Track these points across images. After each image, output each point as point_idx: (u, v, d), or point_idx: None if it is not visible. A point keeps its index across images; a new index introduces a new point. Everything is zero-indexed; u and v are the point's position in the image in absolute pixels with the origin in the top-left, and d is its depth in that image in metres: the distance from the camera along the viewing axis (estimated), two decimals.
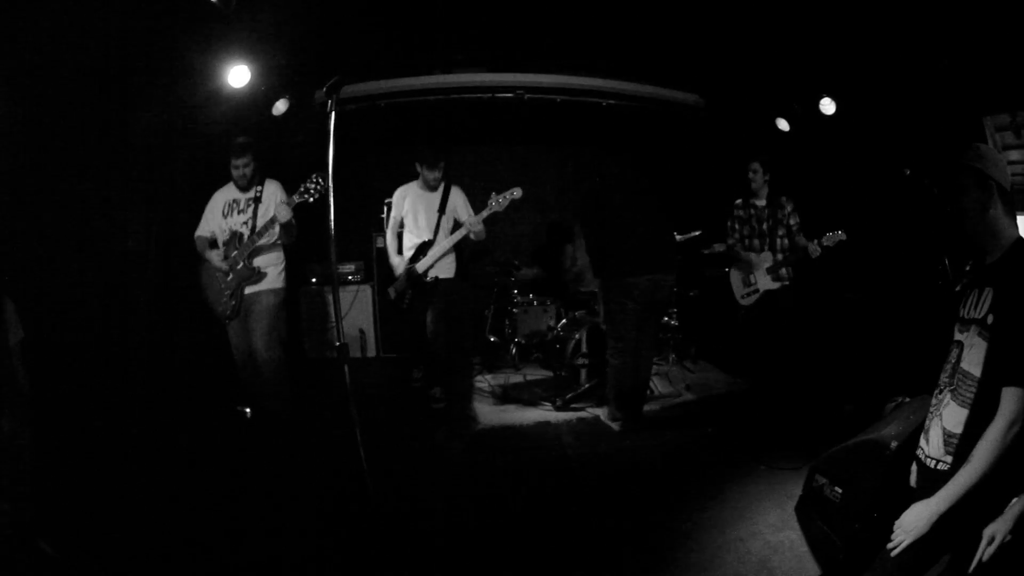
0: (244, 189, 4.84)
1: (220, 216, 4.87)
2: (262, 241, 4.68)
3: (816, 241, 5.28)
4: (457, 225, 5.43)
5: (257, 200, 4.78)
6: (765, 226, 5.62)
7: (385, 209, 6.25)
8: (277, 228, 4.58)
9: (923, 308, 4.59)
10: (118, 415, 4.54)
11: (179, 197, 5.53)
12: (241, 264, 4.71)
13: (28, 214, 4.10)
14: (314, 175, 4.42)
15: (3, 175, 3.87)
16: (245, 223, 4.76)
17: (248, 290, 4.75)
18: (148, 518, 3.55)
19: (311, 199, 4.43)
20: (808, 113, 6.12)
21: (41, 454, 3.19)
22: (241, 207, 4.82)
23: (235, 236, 4.78)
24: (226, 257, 4.76)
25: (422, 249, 5.37)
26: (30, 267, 3.99)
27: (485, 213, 5.21)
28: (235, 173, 4.79)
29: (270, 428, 4.72)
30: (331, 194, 2.66)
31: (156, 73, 4.81)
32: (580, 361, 5.96)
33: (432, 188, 5.47)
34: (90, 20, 4.01)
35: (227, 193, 4.91)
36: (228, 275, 4.75)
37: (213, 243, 4.90)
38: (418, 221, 5.43)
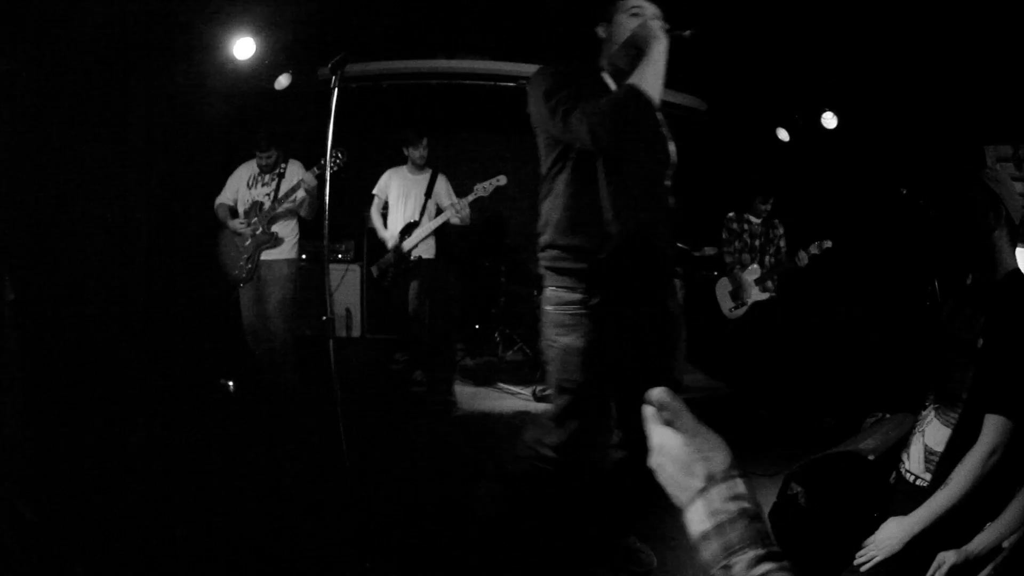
0: (264, 149, 5.00)
1: (244, 187, 5.07)
2: (282, 208, 4.90)
3: (803, 250, 5.33)
4: (440, 210, 5.64)
5: (280, 175, 4.99)
6: (757, 242, 5.69)
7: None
8: (301, 194, 4.79)
9: (909, 327, 4.63)
10: (106, 386, 4.53)
11: (178, 169, 5.52)
12: (260, 229, 4.91)
13: (26, 183, 4.08)
14: (335, 150, 4.43)
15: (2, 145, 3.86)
16: (268, 194, 4.98)
17: (264, 256, 4.94)
18: (126, 488, 3.52)
19: (333, 169, 4.43)
20: (809, 125, 6.15)
21: (27, 418, 3.18)
22: (265, 180, 5.04)
23: (256, 205, 4.99)
24: (247, 222, 4.96)
25: (407, 230, 5.56)
26: (25, 237, 3.98)
27: (471, 197, 5.54)
28: (259, 163, 5.04)
29: (269, 399, 4.87)
30: (328, 171, 2.66)
31: (161, 40, 4.79)
32: None
33: (420, 169, 5.71)
34: None
35: (252, 167, 5.12)
36: (247, 240, 4.94)
37: (234, 212, 5.10)
38: (405, 203, 5.60)
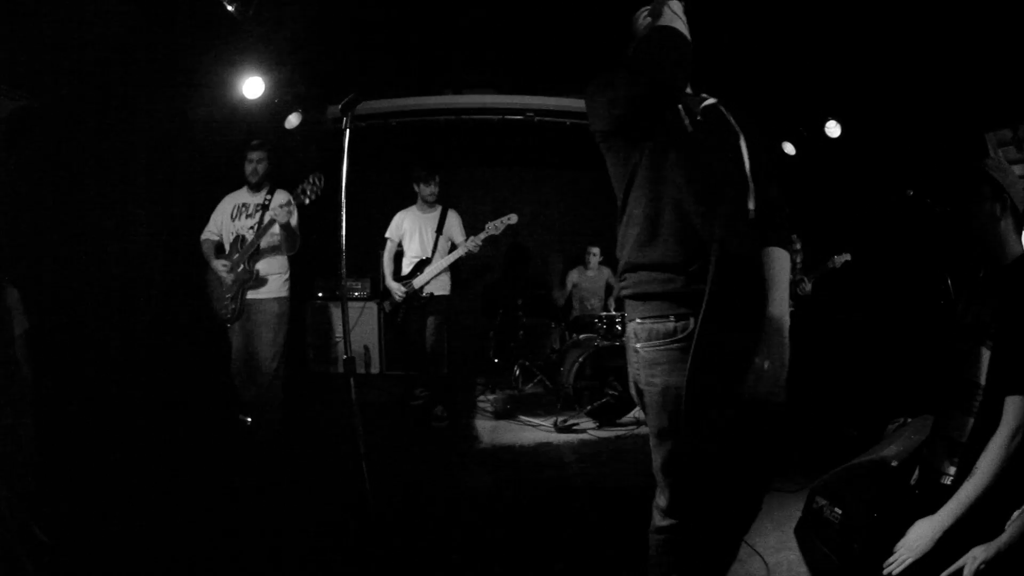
0: (255, 188, 4.83)
1: (228, 219, 4.84)
2: (263, 243, 4.67)
3: (810, 276, 5.39)
4: (453, 245, 5.76)
5: (265, 207, 4.73)
6: None
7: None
8: (277, 230, 4.55)
9: (926, 327, 4.60)
10: (118, 412, 4.56)
11: (183, 201, 5.57)
12: (242, 267, 4.68)
13: (31, 209, 4.18)
14: (311, 175, 4.43)
15: (9, 171, 3.96)
16: (252, 228, 4.73)
17: (250, 295, 4.71)
18: (141, 513, 3.59)
19: (307, 200, 4.44)
20: (814, 136, 6.19)
21: (41, 445, 3.24)
22: (250, 211, 4.80)
23: (239, 239, 4.75)
24: (229, 259, 4.75)
25: (420, 267, 5.63)
26: (33, 261, 4.07)
27: (483, 236, 5.63)
28: (248, 168, 4.79)
29: (264, 438, 4.70)
30: (343, 211, 2.70)
31: (168, 77, 4.90)
32: (582, 384, 5.97)
33: (430, 205, 5.84)
34: (106, 23, 4.12)
35: (237, 197, 4.89)
36: (230, 278, 4.71)
37: (219, 247, 4.90)
38: (416, 241, 5.69)
